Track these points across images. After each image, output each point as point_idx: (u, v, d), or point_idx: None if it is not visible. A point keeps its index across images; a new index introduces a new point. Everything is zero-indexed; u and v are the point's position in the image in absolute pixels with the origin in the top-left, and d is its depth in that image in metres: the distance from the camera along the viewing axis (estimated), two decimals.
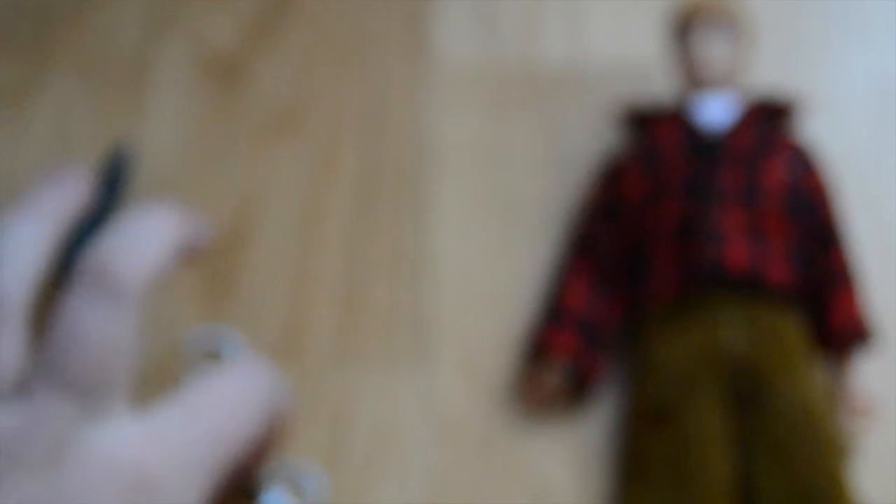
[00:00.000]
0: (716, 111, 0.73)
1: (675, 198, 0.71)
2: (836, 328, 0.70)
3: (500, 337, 0.72)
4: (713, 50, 0.74)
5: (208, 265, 0.74)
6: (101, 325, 0.28)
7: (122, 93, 0.82)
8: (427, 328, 0.73)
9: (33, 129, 0.80)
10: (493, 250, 0.76)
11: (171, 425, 0.28)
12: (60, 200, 0.33)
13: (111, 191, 0.75)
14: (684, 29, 0.75)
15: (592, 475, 0.69)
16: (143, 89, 0.82)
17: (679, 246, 0.70)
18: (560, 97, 0.81)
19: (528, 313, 0.73)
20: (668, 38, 0.77)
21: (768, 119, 0.75)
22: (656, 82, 0.80)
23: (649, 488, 0.65)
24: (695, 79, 0.74)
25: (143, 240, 0.31)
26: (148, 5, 0.85)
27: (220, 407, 0.29)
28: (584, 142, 0.79)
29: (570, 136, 0.80)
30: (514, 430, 0.72)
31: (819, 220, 0.72)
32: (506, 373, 0.72)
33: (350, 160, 0.79)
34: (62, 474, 0.25)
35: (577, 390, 0.71)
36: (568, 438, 0.70)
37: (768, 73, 0.79)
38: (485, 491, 0.67)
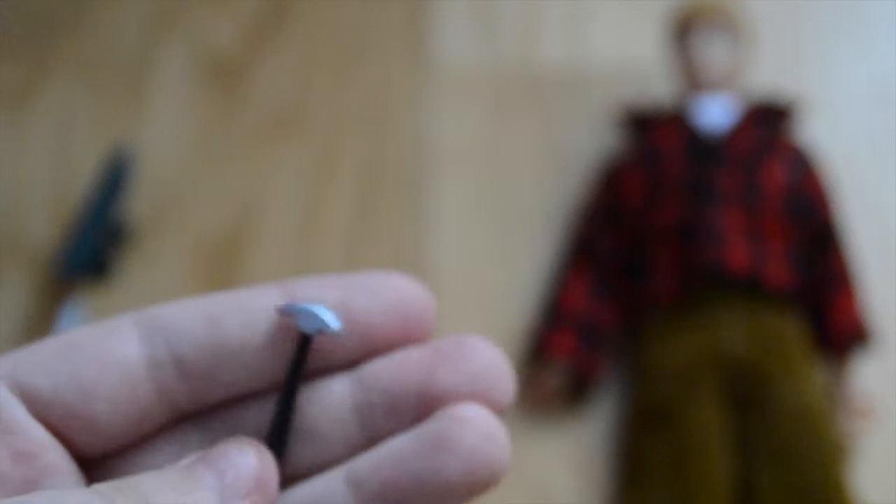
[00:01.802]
0: (715, 113, 0.74)
1: (675, 199, 0.71)
2: (836, 329, 0.70)
3: (500, 338, 0.72)
4: (712, 53, 0.74)
5: (209, 266, 0.75)
6: None
7: (123, 95, 0.82)
8: None
9: (35, 131, 0.81)
10: (492, 252, 0.76)
11: None
12: None
13: (111, 191, 0.75)
14: (684, 32, 0.75)
15: (592, 475, 0.69)
16: (143, 91, 0.82)
17: (679, 247, 0.70)
18: (560, 99, 0.81)
19: (528, 314, 0.73)
20: (668, 41, 0.77)
21: (768, 121, 0.75)
22: (656, 85, 0.80)
23: (649, 488, 0.65)
24: (694, 81, 0.75)
25: None
26: (148, 9, 0.86)
27: None
28: (584, 144, 0.79)
29: (570, 138, 0.80)
30: (514, 430, 0.71)
31: (818, 222, 0.72)
32: None
33: (350, 161, 0.79)
34: None
35: (576, 391, 0.71)
36: (568, 439, 0.70)
37: (768, 76, 0.79)
38: None
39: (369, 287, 0.22)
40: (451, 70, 0.83)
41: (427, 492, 0.21)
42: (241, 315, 0.22)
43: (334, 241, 0.76)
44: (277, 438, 0.22)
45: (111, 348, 0.21)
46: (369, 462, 0.22)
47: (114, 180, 0.75)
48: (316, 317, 0.22)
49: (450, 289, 0.75)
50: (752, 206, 0.70)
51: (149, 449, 0.22)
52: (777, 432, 0.64)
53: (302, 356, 0.22)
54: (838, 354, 0.69)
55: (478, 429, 0.21)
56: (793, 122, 0.75)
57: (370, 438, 0.22)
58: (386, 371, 0.23)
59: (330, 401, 0.22)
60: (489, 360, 0.22)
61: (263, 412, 0.22)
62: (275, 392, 0.23)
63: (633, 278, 0.71)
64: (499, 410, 0.22)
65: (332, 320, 0.22)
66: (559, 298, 0.72)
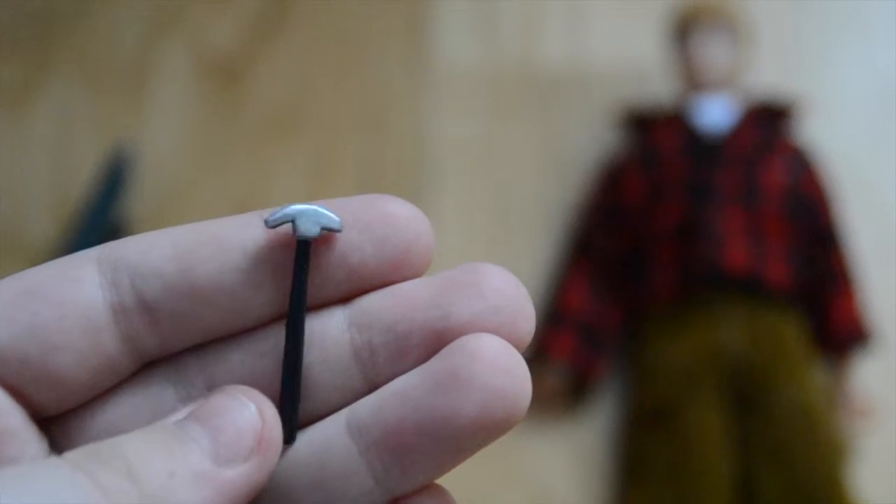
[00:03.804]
0: (715, 113, 0.74)
1: (675, 199, 0.71)
2: (836, 329, 0.70)
3: None
4: (713, 52, 0.74)
5: None
6: None
7: (123, 94, 0.82)
8: None
9: (36, 130, 0.81)
10: (492, 251, 0.76)
11: None
12: None
13: (111, 191, 0.75)
14: (684, 31, 0.75)
15: (592, 475, 0.69)
16: (144, 91, 0.82)
17: (679, 247, 0.70)
18: (560, 99, 0.81)
19: None
20: (668, 41, 0.77)
21: (768, 121, 0.75)
22: (656, 84, 0.80)
23: (649, 488, 0.65)
24: (694, 81, 0.75)
25: None
26: (149, 8, 0.86)
27: None
28: (584, 143, 0.79)
29: (570, 137, 0.80)
30: (513, 430, 0.71)
31: (818, 221, 0.72)
32: None
33: (350, 161, 0.79)
34: None
35: (576, 391, 0.71)
36: (568, 439, 0.70)
37: (768, 75, 0.79)
38: (484, 491, 0.67)
39: (357, 213, 0.19)
40: (452, 69, 0.83)
41: (437, 435, 0.18)
42: (216, 250, 0.19)
43: None
44: (290, 379, 0.19)
45: (71, 292, 0.19)
46: (371, 405, 0.19)
47: (114, 180, 0.75)
48: (314, 217, 0.19)
49: None
50: (751, 206, 0.70)
51: (116, 403, 0.19)
52: (777, 432, 0.64)
53: (303, 266, 0.19)
54: (838, 354, 0.69)
55: (493, 362, 0.18)
56: (793, 122, 0.75)
57: (373, 386, 0.19)
58: (388, 307, 0.19)
59: (324, 345, 0.19)
60: (509, 289, 0.19)
61: (244, 357, 0.20)
62: (255, 334, 0.20)
63: (633, 278, 0.71)
64: (521, 347, 0.19)
65: (330, 219, 0.19)
66: (559, 298, 0.72)
